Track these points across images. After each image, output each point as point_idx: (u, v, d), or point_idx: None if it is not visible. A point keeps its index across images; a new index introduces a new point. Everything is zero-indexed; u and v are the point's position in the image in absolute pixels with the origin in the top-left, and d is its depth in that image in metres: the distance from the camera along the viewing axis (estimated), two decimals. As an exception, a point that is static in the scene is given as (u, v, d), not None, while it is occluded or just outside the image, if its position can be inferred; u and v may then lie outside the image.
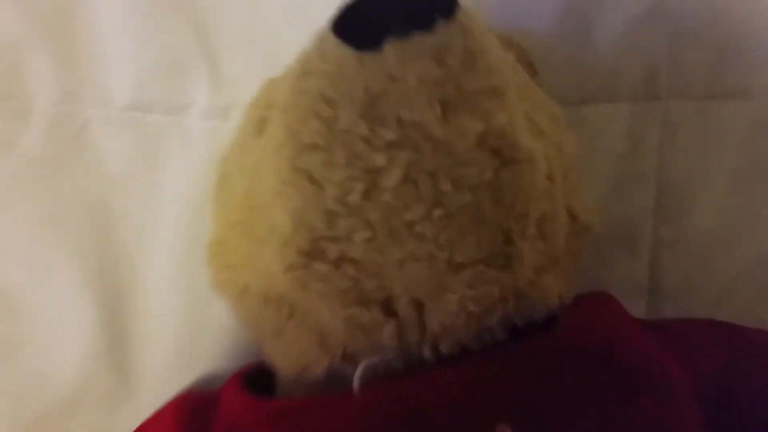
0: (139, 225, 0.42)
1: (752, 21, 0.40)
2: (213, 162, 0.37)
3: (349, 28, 0.26)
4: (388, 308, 0.28)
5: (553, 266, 0.30)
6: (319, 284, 0.27)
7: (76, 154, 0.41)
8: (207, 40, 0.42)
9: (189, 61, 0.42)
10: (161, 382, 0.39)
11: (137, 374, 0.40)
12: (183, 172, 0.42)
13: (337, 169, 0.25)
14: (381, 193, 0.25)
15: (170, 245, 0.41)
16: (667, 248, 0.42)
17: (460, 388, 0.28)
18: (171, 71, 0.42)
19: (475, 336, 0.29)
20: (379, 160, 0.25)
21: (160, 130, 0.42)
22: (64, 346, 0.40)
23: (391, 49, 0.25)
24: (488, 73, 0.25)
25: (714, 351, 0.34)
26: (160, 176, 0.42)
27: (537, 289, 0.29)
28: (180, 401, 0.36)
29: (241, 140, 0.35)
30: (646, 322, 0.36)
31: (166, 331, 0.41)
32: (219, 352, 0.40)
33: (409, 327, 0.28)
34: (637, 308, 0.41)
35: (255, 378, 0.33)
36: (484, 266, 0.27)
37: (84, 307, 0.40)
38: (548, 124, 0.30)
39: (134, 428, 0.36)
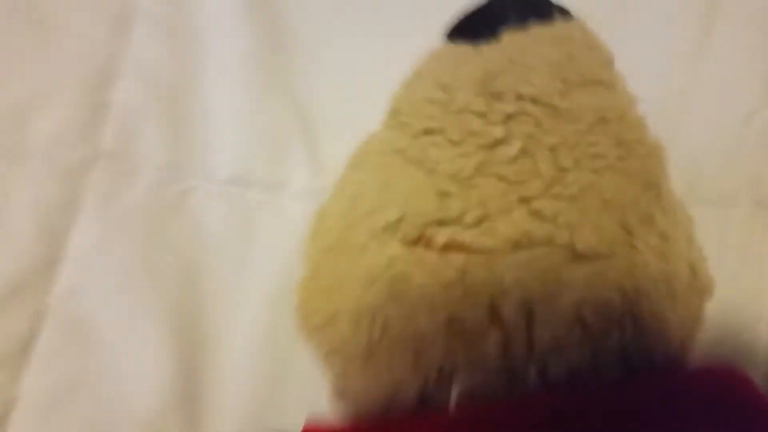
0: (228, 289, 0.41)
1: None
2: (304, 241, 0.37)
3: (464, 30, 0.27)
4: (494, 313, 0.25)
5: (672, 299, 0.27)
6: (423, 277, 0.25)
7: (175, 216, 0.42)
8: (307, 124, 0.44)
9: (289, 143, 0.44)
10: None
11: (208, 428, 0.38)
12: (274, 248, 0.42)
13: (451, 148, 0.25)
14: (497, 167, 0.24)
15: (255, 313, 0.41)
16: None
17: (574, 420, 0.25)
18: (271, 151, 0.44)
19: (588, 361, 0.26)
20: (497, 132, 0.24)
21: (256, 206, 0.43)
22: (139, 388, 0.39)
23: (509, 37, 0.25)
24: (605, 67, 0.26)
25: None
26: (252, 250, 0.42)
27: (657, 320, 0.27)
28: None
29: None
30: None
31: (241, 390, 0.39)
32: (294, 410, 0.37)
33: (516, 338, 0.25)
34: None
35: None
36: (606, 260, 0.24)
37: (164, 354, 0.39)
38: None
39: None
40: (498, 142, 0.25)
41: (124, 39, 0.45)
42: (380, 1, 0.46)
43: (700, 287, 0.30)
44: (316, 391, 0.34)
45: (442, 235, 0.25)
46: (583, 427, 0.24)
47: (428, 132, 0.26)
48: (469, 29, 0.27)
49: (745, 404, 0.27)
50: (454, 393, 0.26)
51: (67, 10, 0.45)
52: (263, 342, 0.40)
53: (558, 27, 0.26)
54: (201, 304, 0.41)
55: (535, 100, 0.25)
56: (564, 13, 0.27)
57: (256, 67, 0.45)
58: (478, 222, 0.25)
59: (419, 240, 0.26)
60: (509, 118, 0.24)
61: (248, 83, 0.44)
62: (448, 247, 0.25)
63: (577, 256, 0.25)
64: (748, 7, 0.44)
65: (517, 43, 0.25)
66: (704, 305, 0.31)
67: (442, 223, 0.25)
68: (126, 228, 0.42)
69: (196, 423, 0.38)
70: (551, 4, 0.27)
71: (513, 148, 0.24)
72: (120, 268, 0.41)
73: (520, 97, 0.25)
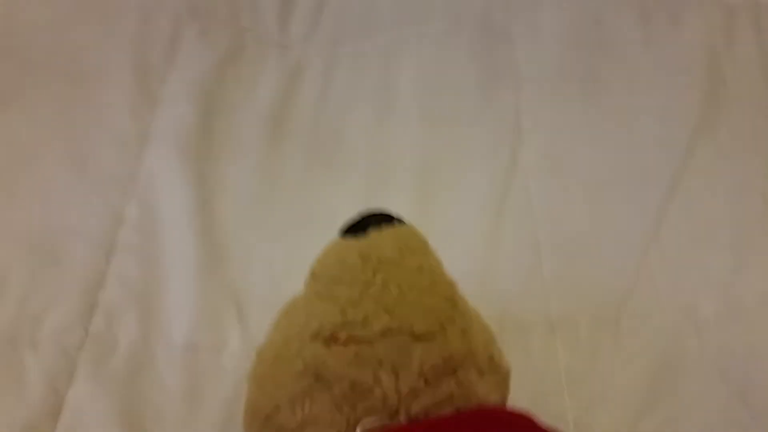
0: (184, 424, 0.56)
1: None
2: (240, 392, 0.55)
3: (349, 230, 0.50)
4: (376, 377, 0.45)
5: (477, 370, 0.48)
6: (335, 360, 0.45)
7: (146, 374, 0.59)
8: (240, 304, 0.64)
9: (226, 318, 0.63)
10: None
11: None
12: (218, 392, 0.58)
13: (346, 287, 0.46)
14: (370, 294, 0.46)
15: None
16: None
17: None
18: (214, 325, 0.62)
19: (432, 404, 0.45)
20: (368, 276, 0.46)
21: (204, 364, 0.60)
22: None
23: (372, 233, 0.48)
24: (424, 250, 0.49)
25: None
26: (202, 394, 0.58)
27: (467, 380, 0.47)
28: None
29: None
30: None
31: None
32: None
33: (390, 392, 0.45)
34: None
35: None
36: (431, 340, 0.45)
37: None
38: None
39: None
40: (369, 282, 0.46)
41: (109, 260, 0.65)
42: (294, 211, 0.69)
43: (497, 368, 0.50)
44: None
45: (344, 334, 0.45)
46: None
47: (332, 279, 0.47)
48: (351, 230, 0.50)
49: (531, 424, 0.46)
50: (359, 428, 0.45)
51: (74, 244, 0.65)
52: None
53: (398, 227, 0.50)
54: None
55: (387, 260, 0.47)
56: (401, 220, 0.51)
57: (201, 266, 0.65)
58: (362, 322, 0.45)
59: (331, 339, 0.46)
60: (374, 270, 0.47)
61: (197, 280, 0.64)
62: (348, 341, 0.45)
63: (416, 337, 0.45)
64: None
65: (377, 236, 0.48)
66: (507, 383, 0.51)
67: (343, 327, 0.46)
68: (109, 385, 0.58)
69: None
70: (394, 216, 0.50)
71: (377, 285, 0.46)
72: (105, 414, 0.56)
73: (378, 259, 0.47)
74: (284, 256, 0.66)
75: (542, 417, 0.47)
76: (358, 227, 0.49)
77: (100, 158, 0.72)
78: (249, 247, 0.68)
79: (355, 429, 0.45)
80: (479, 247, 0.67)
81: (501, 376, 0.51)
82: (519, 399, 0.51)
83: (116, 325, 0.61)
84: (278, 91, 0.79)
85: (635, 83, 0.79)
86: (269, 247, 0.68)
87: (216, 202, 0.70)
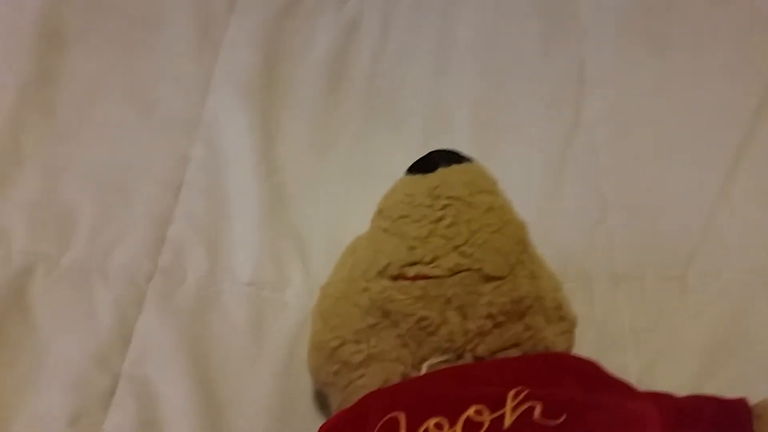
0: (248, 361, 0.57)
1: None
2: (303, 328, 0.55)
3: (416, 168, 0.49)
4: (443, 315, 0.45)
5: (544, 314, 0.48)
6: (402, 296, 0.45)
7: (212, 308, 0.60)
8: (300, 241, 0.65)
9: (289, 256, 0.64)
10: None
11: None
12: (280, 331, 0.59)
13: (414, 224, 0.46)
14: (440, 231, 0.46)
15: (268, 378, 0.56)
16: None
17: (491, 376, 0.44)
18: (277, 263, 0.63)
19: (498, 345, 0.45)
20: (438, 214, 0.46)
21: (268, 301, 0.61)
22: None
23: (441, 170, 0.48)
24: (492, 183, 0.48)
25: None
26: (265, 332, 0.59)
27: (534, 323, 0.47)
28: None
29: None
30: None
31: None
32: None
33: (456, 330, 0.45)
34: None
35: None
36: (501, 281, 0.45)
37: (196, 409, 0.53)
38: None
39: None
40: (438, 219, 0.46)
41: (177, 197, 0.66)
42: (352, 159, 0.70)
43: (565, 316, 0.50)
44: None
45: (412, 271, 0.46)
46: (496, 380, 0.43)
47: (401, 216, 0.47)
48: (420, 168, 0.49)
49: (597, 371, 0.46)
50: (424, 371, 0.45)
51: (142, 183, 0.67)
52: (275, 399, 0.55)
53: (467, 165, 0.49)
54: (228, 372, 0.57)
55: (457, 198, 0.47)
56: (471, 160, 0.50)
57: (264, 207, 0.66)
58: (432, 261, 0.45)
59: (399, 276, 0.46)
60: (444, 207, 0.46)
61: (259, 217, 0.65)
62: (416, 277, 0.45)
63: (486, 278, 0.45)
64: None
65: (446, 174, 0.48)
66: (572, 332, 0.51)
67: (412, 264, 0.46)
68: (177, 317, 0.59)
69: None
70: (464, 156, 0.50)
71: (446, 221, 0.46)
72: (172, 344, 0.57)
73: (448, 197, 0.47)
74: (343, 202, 0.66)
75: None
76: (428, 165, 0.49)
77: (164, 100, 0.73)
78: (309, 191, 0.68)
79: (420, 366, 0.45)
80: (542, 201, 0.66)
81: (568, 324, 0.51)
82: (583, 350, 0.51)
83: (184, 260, 0.62)
84: (336, 43, 0.79)
85: (704, 39, 0.76)
86: (328, 193, 0.68)
87: (277, 147, 0.71)
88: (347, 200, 0.67)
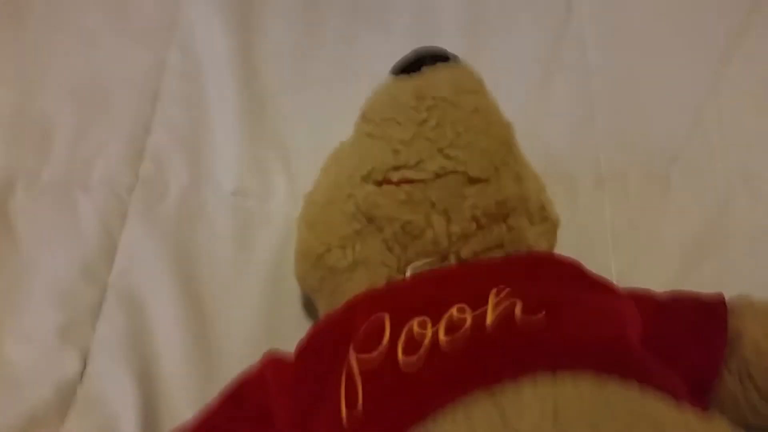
0: (235, 269, 0.57)
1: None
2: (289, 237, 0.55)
3: (401, 68, 0.48)
4: (428, 218, 0.45)
5: (528, 216, 0.48)
6: (386, 200, 0.45)
7: (196, 218, 0.60)
8: (286, 151, 0.64)
9: (273, 166, 0.63)
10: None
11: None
12: (266, 240, 0.59)
13: (398, 126, 0.45)
14: (425, 133, 0.45)
15: (256, 285, 0.57)
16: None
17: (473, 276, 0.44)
18: (261, 173, 0.63)
19: (483, 247, 0.46)
20: (423, 115, 0.45)
21: (252, 211, 0.61)
22: (167, 340, 0.53)
23: (426, 71, 0.47)
24: (478, 83, 0.47)
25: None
26: (251, 241, 0.59)
27: (518, 225, 0.47)
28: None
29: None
30: None
31: (245, 341, 0.54)
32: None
33: (441, 234, 0.45)
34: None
35: None
36: (486, 183, 0.45)
37: (185, 318, 0.54)
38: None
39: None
40: (424, 121, 0.45)
41: (156, 107, 0.65)
42: (337, 62, 0.68)
43: (548, 217, 0.50)
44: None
45: (396, 175, 0.45)
46: (479, 280, 0.44)
47: (385, 119, 0.46)
48: (404, 68, 0.48)
49: (578, 270, 0.47)
50: (408, 274, 0.45)
51: (119, 92, 0.65)
52: (263, 307, 0.56)
53: (453, 64, 0.48)
54: (215, 281, 0.57)
55: (442, 99, 0.46)
56: (457, 59, 0.49)
57: (247, 115, 0.65)
58: (416, 164, 0.45)
59: (384, 181, 0.45)
60: (429, 108, 0.45)
61: (242, 127, 0.64)
62: (401, 181, 0.45)
63: (470, 180, 0.45)
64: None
65: (431, 74, 0.47)
66: (555, 233, 0.52)
67: (396, 168, 0.45)
68: (161, 228, 0.59)
69: (210, 369, 0.52)
70: (449, 55, 0.49)
71: (432, 123, 0.45)
72: (158, 255, 0.57)
73: (434, 98, 0.46)
74: (328, 107, 0.65)
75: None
76: (412, 66, 0.48)
77: (139, 7, 0.71)
78: (292, 96, 0.67)
79: (405, 270, 0.46)
80: (530, 97, 0.65)
81: (550, 225, 0.51)
82: (564, 251, 0.51)
83: (165, 170, 0.62)
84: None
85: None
86: (312, 97, 0.67)
87: (256, 50, 0.69)
88: (331, 104, 0.65)
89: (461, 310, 0.40)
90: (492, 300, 0.40)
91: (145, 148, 0.62)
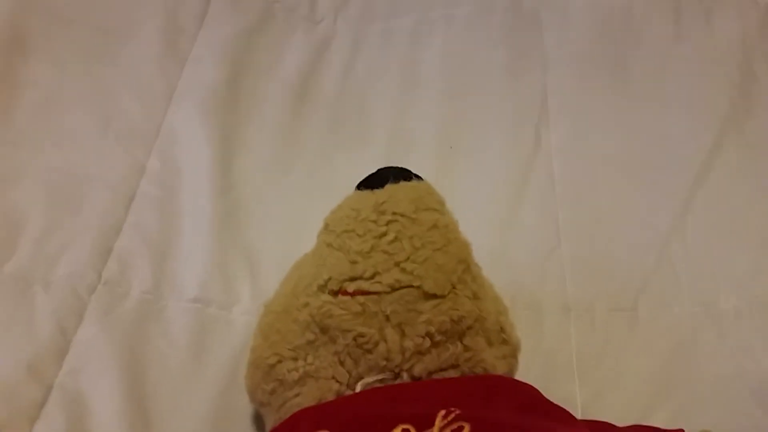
0: (190, 376, 0.56)
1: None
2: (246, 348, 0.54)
3: (366, 184, 0.49)
4: (381, 332, 0.44)
5: (486, 336, 0.47)
6: (340, 311, 0.44)
7: (154, 324, 0.59)
8: (252, 259, 0.64)
9: (238, 273, 0.63)
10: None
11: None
12: (225, 348, 0.58)
13: (358, 238, 0.46)
14: (382, 247, 0.45)
15: (210, 392, 0.55)
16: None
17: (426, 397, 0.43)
18: (225, 280, 0.62)
19: (437, 366, 0.45)
20: (382, 229, 0.45)
21: (213, 319, 0.60)
22: None
23: (389, 187, 0.48)
24: (439, 203, 0.48)
25: None
26: (209, 349, 0.58)
27: (475, 345, 0.46)
28: None
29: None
30: None
31: None
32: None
33: (394, 349, 0.44)
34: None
35: None
36: (441, 299, 0.45)
37: (129, 421, 0.52)
38: None
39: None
40: (382, 234, 0.46)
41: (128, 209, 0.65)
42: (314, 177, 0.69)
43: (507, 340, 0.49)
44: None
45: (352, 286, 0.45)
46: (428, 400, 0.42)
47: (345, 231, 0.46)
48: (368, 184, 0.49)
49: (535, 395, 0.45)
50: (360, 385, 0.44)
51: (94, 192, 0.66)
52: (211, 419, 0.54)
53: (415, 182, 0.49)
54: (165, 389, 0.55)
55: (402, 215, 0.46)
56: (419, 178, 0.50)
57: (217, 223, 0.65)
58: (372, 276, 0.45)
59: (340, 291, 0.45)
60: (388, 222, 0.46)
61: (211, 233, 0.64)
62: (356, 292, 0.45)
63: (426, 295, 0.45)
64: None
65: (393, 190, 0.48)
66: (515, 357, 0.51)
67: (353, 279, 0.45)
68: (117, 331, 0.58)
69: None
70: (412, 173, 0.50)
71: (390, 237, 0.45)
72: (110, 359, 0.56)
73: (393, 213, 0.46)
74: (301, 219, 0.65)
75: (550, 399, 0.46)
76: (376, 181, 0.49)
77: (124, 111, 0.73)
78: (266, 208, 0.67)
79: (355, 387, 0.44)
80: (497, 224, 0.66)
81: (510, 348, 0.50)
82: (528, 378, 0.50)
83: (129, 273, 0.61)
84: (305, 62, 0.80)
85: (664, 73, 0.77)
86: (286, 209, 0.67)
87: (236, 162, 0.70)
88: (303, 218, 0.64)
89: None
90: (439, 422, 0.39)
91: (113, 250, 0.62)
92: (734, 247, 0.65)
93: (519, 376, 0.51)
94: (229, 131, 0.72)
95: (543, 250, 0.65)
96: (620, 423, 0.49)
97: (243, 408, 0.54)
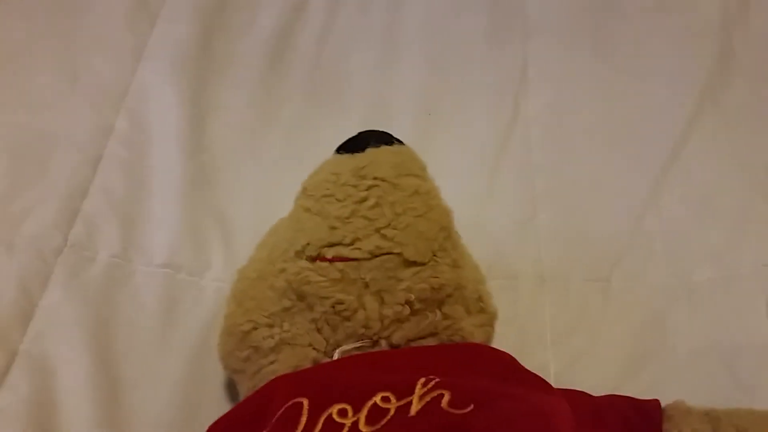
0: (158, 342, 0.55)
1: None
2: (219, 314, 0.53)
3: (345, 147, 0.48)
4: (360, 299, 0.43)
5: (464, 304, 0.46)
6: (318, 277, 0.43)
7: (122, 288, 0.57)
8: (225, 225, 0.62)
9: (210, 239, 0.61)
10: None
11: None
12: (195, 316, 0.57)
13: (337, 203, 0.44)
14: (363, 212, 0.44)
15: (179, 359, 0.54)
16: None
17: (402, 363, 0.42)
18: (196, 245, 0.61)
19: (415, 333, 0.44)
20: (362, 194, 0.44)
21: (183, 285, 0.59)
22: (74, 407, 0.50)
23: (369, 150, 0.46)
24: (421, 168, 0.47)
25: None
26: (178, 316, 0.57)
27: (453, 313, 0.46)
28: None
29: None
30: None
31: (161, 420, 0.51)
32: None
33: (373, 316, 0.43)
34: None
35: None
36: (421, 267, 0.44)
37: (98, 386, 0.51)
38: None
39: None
40: (362, 199, 0.44)
41: (95, 170, 0.63)
42: (288, 143, 0.68)
43: (485, 308, 0.49)
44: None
45: (331, 252, 0.44)
46: (407, 368, 0.42)
47: (325, 196, 0.45)
48: (348, 147, 0.48)
49: (512, 363, 0.45)
50: (338, 353, 0.43)
51: (61, 153, 0.63)
52: (181, 386, 0.53)
53: (397, 147, 0.48)
54: (134, 355, 0.54)
55: (383, 180, 0.45)
56: (401, 142, 0.49)
57: (188, 186, 0.63)
58: (352, 242, 0.44)
59: (318, 257, 0.44)
60: (369, 187, 0.45)
61: (181, 196, 0.62)
62: (335, 258, 0.44)
63: (406, 263, 0.44)
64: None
65: (374, 154, 0.46)
66: (492, 326, 0.50)
67: (331, 245, 0.44)
68: (84, 296, 0.56)
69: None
70: (393, 137, 0.48)
71: (370, 202, 0.44)
72: (74, 324, 0.54)
73: (374, 178, 0.45)
74: (275, 184, 0.64)
75: (525, 367, 0.46)
76: (357, 145, 0.47)
77: (93, 68, 0.70)
78: (238, 173, 0.66)
79: (333, 354, 0.44)
80: (475, 192, 0.65)
81: (488, 317, 0.50)
82: (502, 347, 0.49)
83: (96, 236, 0.59)
84: (280, 23, 0.77)
85: (645, 45, 0.77)
86: (259, 175, 0.66)
87: (208, 124, 0.68)
88: (279, 183, 0.63)
89: (385, 399, 0.38)
90: (418, 390, 0.38)
91: (80, 212, 0.60)
92: (709, 219, 0.65)
93: (495, 344, 0.51)
94: (201, 91, 0.70)
95: (519, 219, 0.64)
96: (594, 393, 0.49)
97: (215, 375, 0.53)
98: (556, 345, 0.58)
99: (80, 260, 0.58)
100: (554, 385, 0.54)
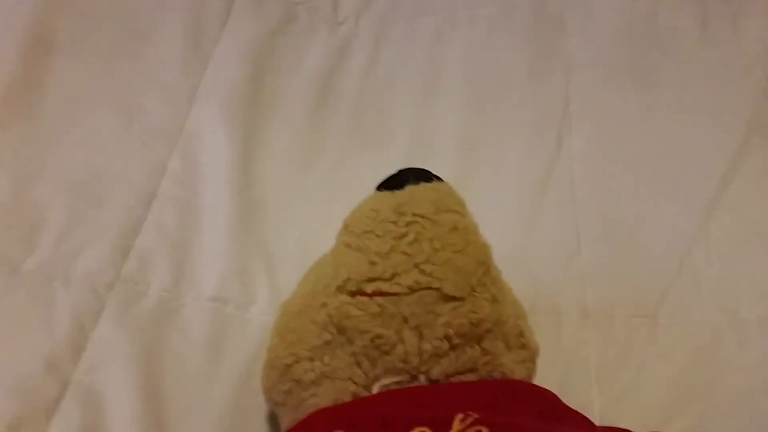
0: (206, 376, 0.56)
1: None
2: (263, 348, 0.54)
3: (385, 185, 0.49)
4: (399, 334, 0.44)
5: (504, 340, 0.47)
6: (358, 312, 0.44)
7: (172, 322, 0.59)
8: (270, 259, 0.64)
9: (257, 274, 0.63)
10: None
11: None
12: (242, 348, 0.58)
13: (377, 239, 0.45)
14: (402, 248, 0.45)
15: (225, 392, 0.55)
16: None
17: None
18: (244, 280, 0.62)
19: (454, 368, 0.44)
20: (401, 230, 0.45)
21: (231, 318, 0.60)
22: None
23: (409, 188, 0.47)
24: (459, 204, 0.48)
25: None
26: (225, 348, 0.58)
27: (493, 348, 0.46)
28: None
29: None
30: None
31: None
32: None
33: (412, 351, 0.44)
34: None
35: None
36: (460, 301, 0.44)
37: (145, 419, 0.52)
38: None
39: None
40: (402, 235, 0.45)
41: (148, 208, 0.66)
42: (333, 178, 0.70)
43: (526, 344, 0.49)
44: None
45: (371, 287, 0.45)
46: (446, 403, 0.42)
47: (365, 231, 0.46)
48: (389, 184, 0.49)
49: (554, 401, 0.45)
50: (376, 392, 0.44)
51: (115, 191, 0.66)
52: (227, 419, 0.54)
53: (435, 183, 0.49)
54: (181, 387, 0.55)
55: (422, 216, 0.46)
56: (440, 179, 0.50)
57: (236, 222, 0.65)
58: (391, 277, 0.44)
59: (358, 292, 0.45)
60: (408, 223, 0.46)
61: (231, 235, 0.64)
62: (375, 293, 0.45)
63: (445, 297, 0.44)
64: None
65: (413, 191, 0.48)
66: (534, 362, 0.50)
67: (371, 279, 0.45)
68: (134, 329, 0.58)
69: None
70: (432, 174, 0.49)
71: (409, 238, 0.45)
72: (127, 356, 0.56)
73: (414, 214, 0.46)
74: (319, 220, 0.65)
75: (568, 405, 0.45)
76: (396, 182, 0.48)
77: (147, 111, 0.73)
78: (285, 208, 0.67)
79: (372, 389, 0.44)
80: (517, 228, 0.65)
81: (529, 353, 0.50)
82: (546, 384, 0.49)
83: (148, 271, 0.61)
84: (326, 62, 0.80)
85: (689, 78, 0.76)
86: (305, 210, 0.67)
87: (257, 162, 0.70)
88: (323, 219, 0.65)
89: None
90: (456, 426, 0.38)
91: (133, 248, 0.63)
92: (758, 254, 0.63)
93: (537, 381, 0.51)
94: (250, 131, 0.73)
95: (563, 254, 0.64)
96: (639, 431, 0.49)
97: (258, 408, 0.54)
98: (601, 382, 0.57)
99: (132, 294, 0.60)
100: (598, 423, 0.54)
